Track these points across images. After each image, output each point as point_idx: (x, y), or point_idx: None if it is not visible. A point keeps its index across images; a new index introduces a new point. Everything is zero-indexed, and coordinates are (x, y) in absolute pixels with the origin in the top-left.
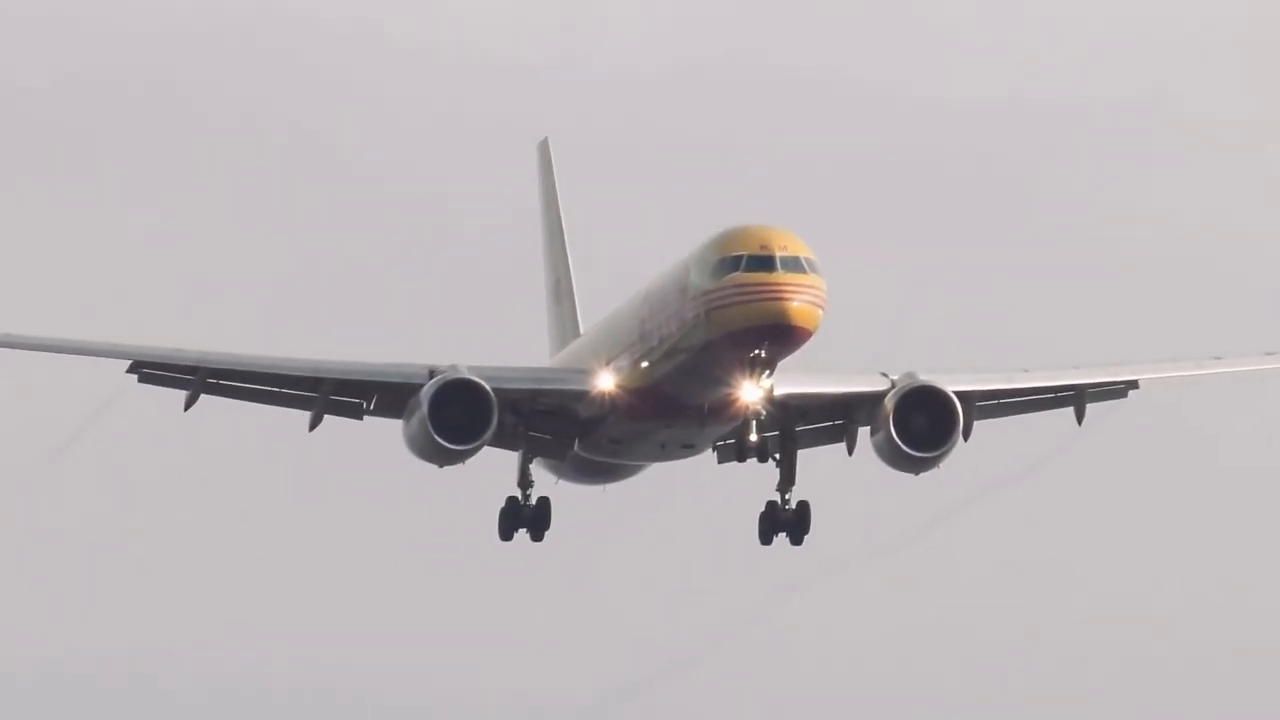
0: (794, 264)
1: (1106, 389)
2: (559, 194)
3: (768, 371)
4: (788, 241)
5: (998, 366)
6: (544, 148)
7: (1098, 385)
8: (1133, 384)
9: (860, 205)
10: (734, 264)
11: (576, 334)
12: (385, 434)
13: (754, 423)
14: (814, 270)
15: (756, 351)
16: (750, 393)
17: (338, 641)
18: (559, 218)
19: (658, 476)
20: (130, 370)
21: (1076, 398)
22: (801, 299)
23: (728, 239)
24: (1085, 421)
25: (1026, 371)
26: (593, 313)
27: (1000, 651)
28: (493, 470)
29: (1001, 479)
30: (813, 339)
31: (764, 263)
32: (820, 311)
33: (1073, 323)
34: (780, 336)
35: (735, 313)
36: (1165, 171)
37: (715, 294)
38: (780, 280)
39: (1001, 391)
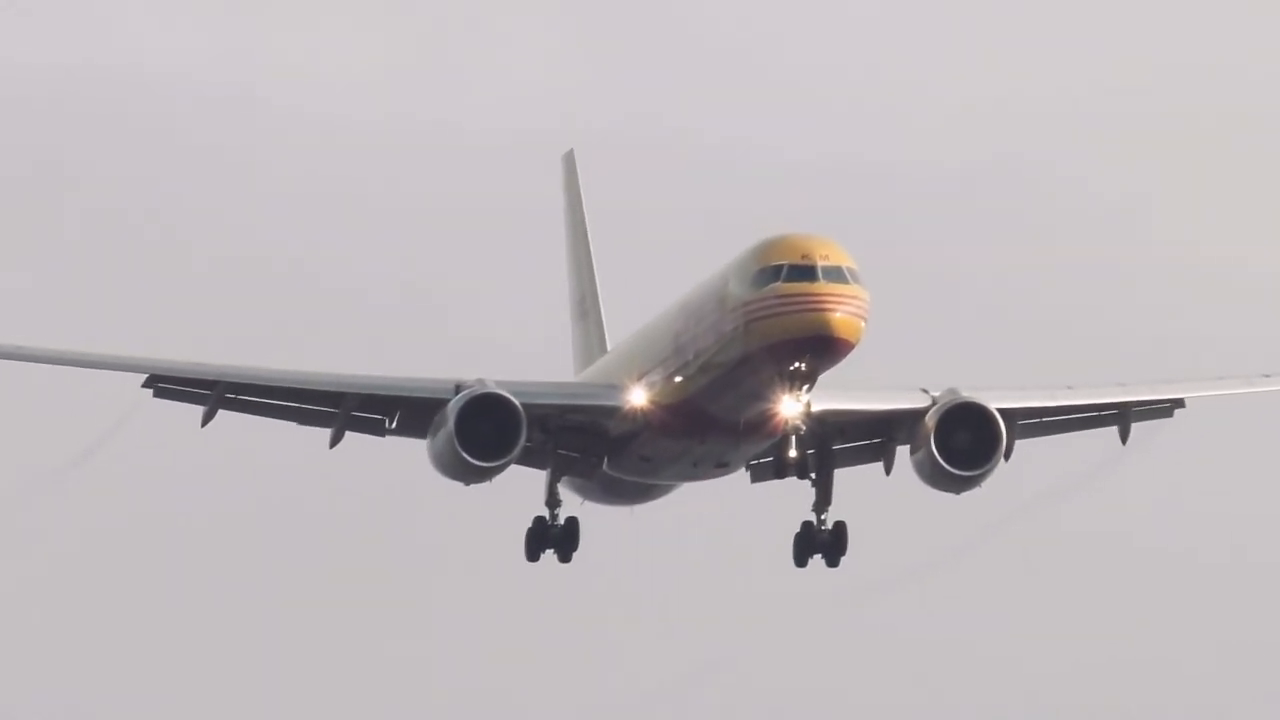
0: (836, 274)
1: (1152, 408)
2: (585, 207)
3: (808, 386)
4: (830, 251)
5: (1040, 384)
6: (569, 159)
7: (1143, 404)
8: (1179, 403)
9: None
10: (774, 274)
11: (603, 351)
12: (408, 452)
13: (793, 438)
14: (857, 280)
15: (797, 364)
16: (790, 407)
17: (358, 663)
18: (585, 232)
19: (689, 496)
20: (146, 384)
21: (1121, 416)
22: (844, 310)
23: (768, 248)
24: (1130, 441)
25: (1071, 389)
26: (617, 330)
27: (1039, 679)
28: (520, 489)
29: (1043, 499)
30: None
31: (806, 272)
32: (863, 323)
33: (1116, 341)
34: (822, 349)
35: (775, 324)
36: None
37: (755, 305)
38: (822, 291)
39: (1045, 409)
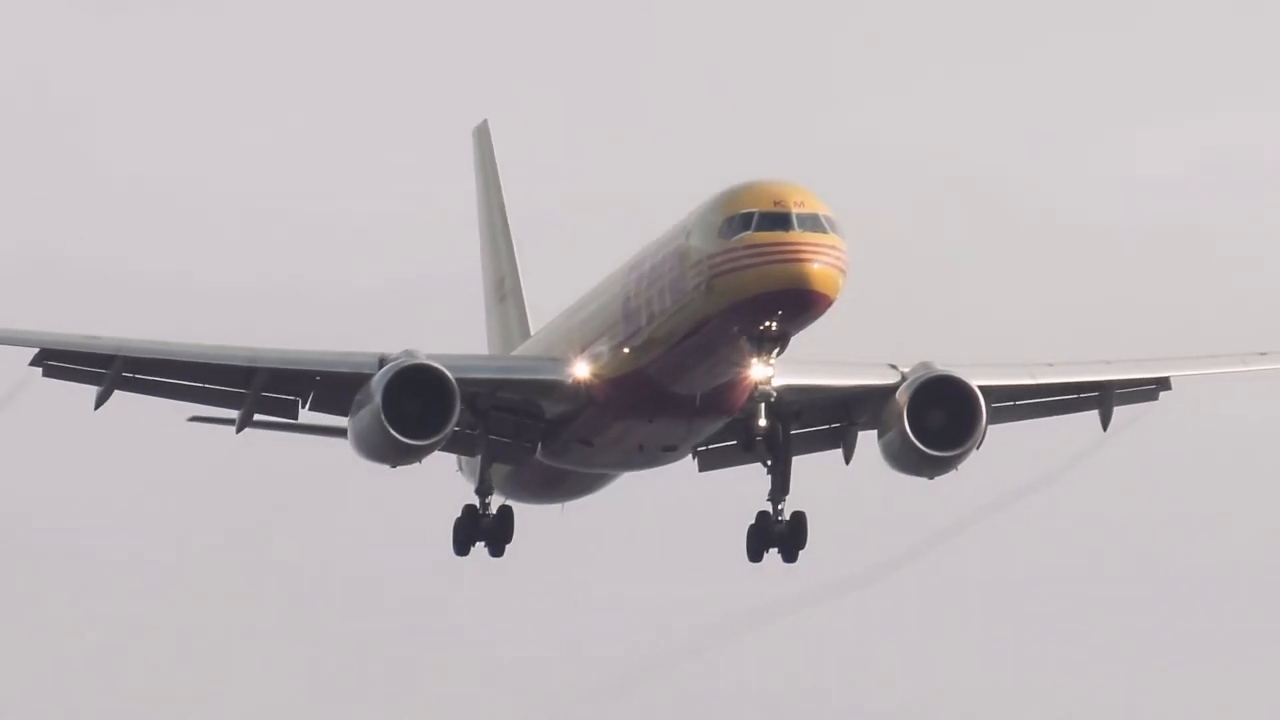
0: (812, 222)
1: (1136, 389)
2: (501, 183)
3: (778, 348)
4: (805, 197)
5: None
6: (482, 132)
7: (1128, 383)
8: (1164, 383)
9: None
10: (744, 222)
11: (525, 336)
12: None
13: (763, 406)
14: (834, 229)
15: (768, 323)
16: (759, 371)
17: (267, 673)
18: (502, 210)
19: (631, 486)
20: (35, 362)
21: (1102, 399)
22: (822, 261)
23: (735, 196)
24: (1110, 426)
25: (1051, 366)
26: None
27: (1012, 679)
28: (445, 473)
29: (1017, 489)
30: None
31: (779, 220)
32: (842, 276)
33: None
34: (798, 304)
35: (746, 277)
36: None
37: (721, 257)
38: (798, 239)
39: (1022, 389)
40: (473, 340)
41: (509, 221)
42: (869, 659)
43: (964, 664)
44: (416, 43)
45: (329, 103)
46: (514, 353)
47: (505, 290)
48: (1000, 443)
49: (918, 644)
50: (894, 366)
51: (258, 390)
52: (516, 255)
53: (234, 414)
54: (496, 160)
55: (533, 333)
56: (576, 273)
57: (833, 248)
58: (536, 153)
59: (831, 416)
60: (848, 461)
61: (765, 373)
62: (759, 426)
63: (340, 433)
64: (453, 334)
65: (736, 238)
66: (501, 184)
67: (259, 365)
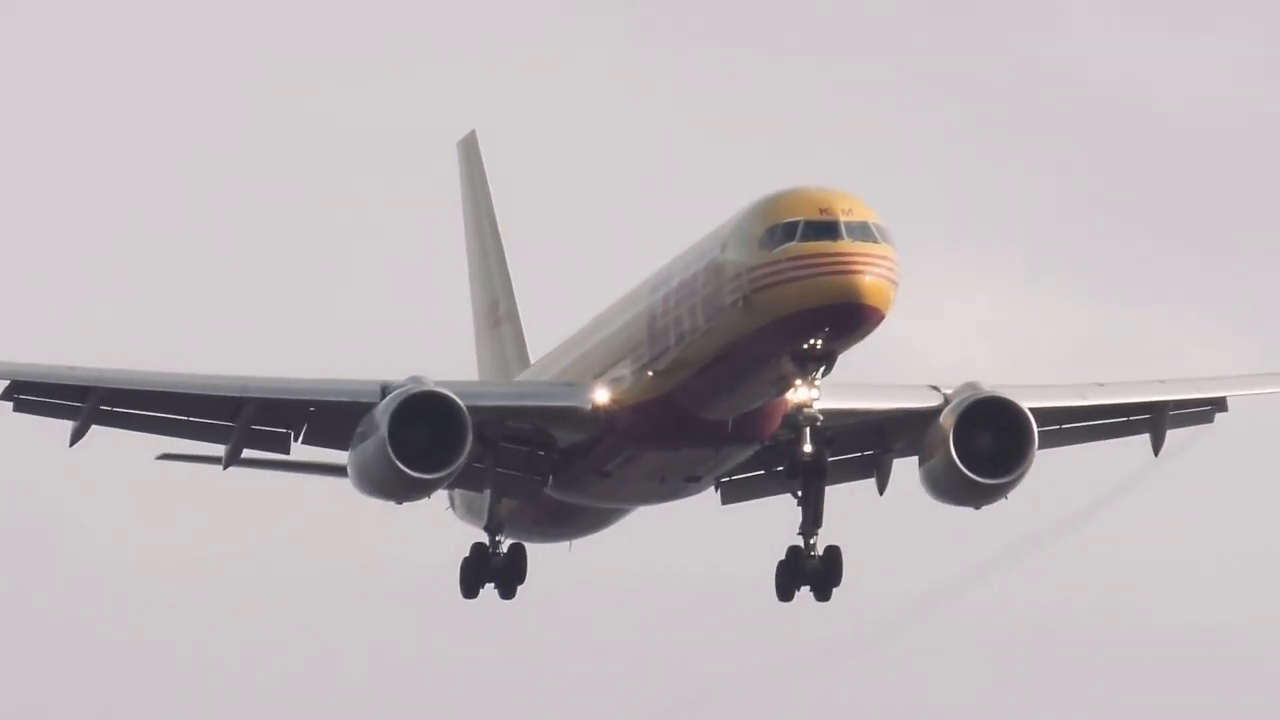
0: (862, 230)
1: (1190, 411)
2: (493, 199)
3: (824, 368)
4: (853, 205)
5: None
6: (469, 144)
7: (1183, 404)
8: (1220, 404)
9: None
10: (787, 232)
11: (524, 364)
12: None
13: (808, 430)
14: (885, 238)
15: (814, 341)
16: (803, 393)
17: None
18: (494, 227)
19: (649, 521)
20: (5, 395)
21: (1155, 422)
22: (874, 273)
23: (777, 203)
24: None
25: (1103, 386)
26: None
27: None
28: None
29: (1065, 518)
30: None
31: (827, 229)
32: (895, 288)
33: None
34: (848, 319)
35: (791, 291)
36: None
37: (763, 270)
38: (848, 250)
39: (1072, 411)
40: (462, 370)
41: (502, 241)
42: (913, 704)
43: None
44: (398, 49)
45: (297, 111)
46: (521, 375)
47: (500, 315)
48: (1041, 470)
49: (963, 689)
50: (935, 388)
51: (247, 423)
52: (512, 277)
53: (210, 450)
54: (486, 174)
55: (533, 360)
56: (575, 296)
57: (884, 258)
58: (528, 166)
59: (866, 443)
60: (882, 491)
61: (809, 395)
62: (804, 454)
63: (336, 469)
64: (439, 364)
65: (780, 249)
66: (493, 200)
67: (250, 396)
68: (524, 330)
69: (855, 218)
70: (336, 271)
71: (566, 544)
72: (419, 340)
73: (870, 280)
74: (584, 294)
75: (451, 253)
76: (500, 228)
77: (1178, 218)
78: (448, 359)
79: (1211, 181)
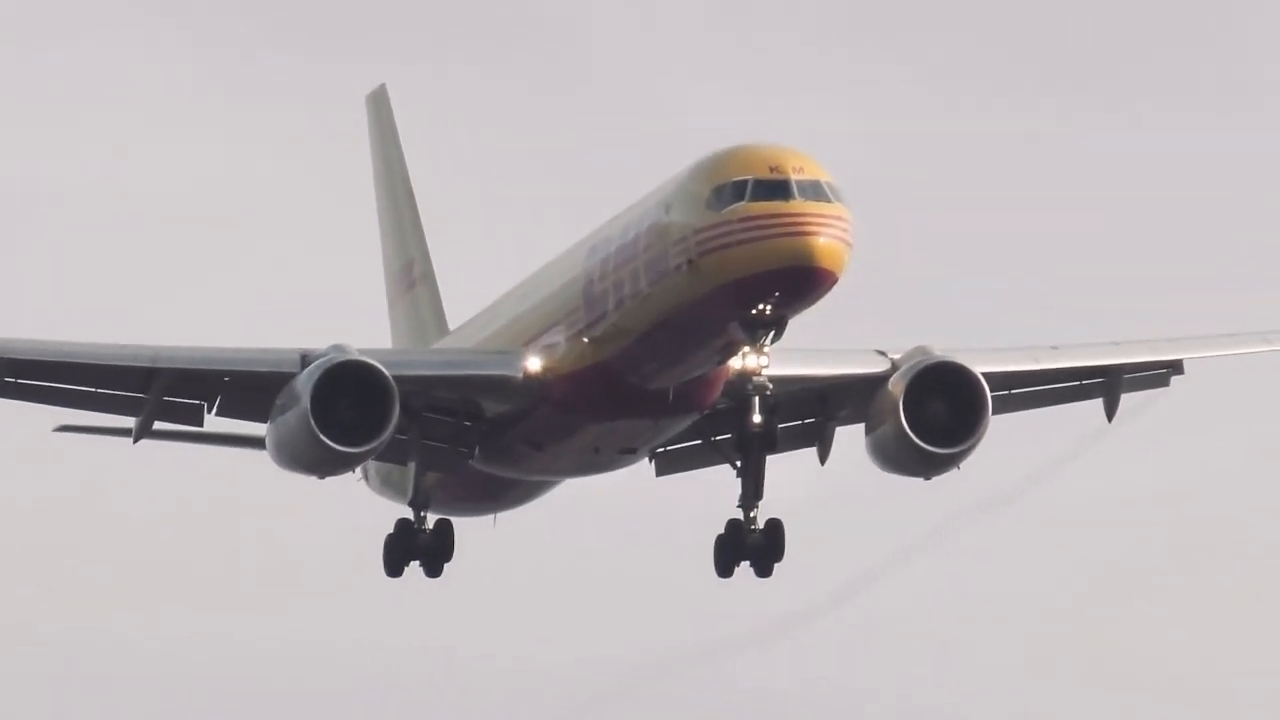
0: (814, 189)
1: (1145, 375)
2: (404, 157)
3: (774, 334)
4: (803, 162)
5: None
6: (378, 98)
7: (1138, 367)
8: (1177, 368)
9: None
10: (736, 192)
11: (442, 328)
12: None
13: (756, 400)
14: (838, 197)
15: (764, 306)
16: (751, 360)
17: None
18: (407, 184)
19: (579, 494)
20: None
21: (1109, 386)
22: (828, 233)
23: (724, 162)
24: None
25: (1056, 349)
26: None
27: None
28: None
29: (1013, 486)
30: None
31: (777, 188)
32: (849, 250)
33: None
34: (801, 283)
35: (740, 254)
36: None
37: (710, 232)
38: (800, 210)
39: (1024, 375)
40: (375, 337)
41: (415, 200)
42: (858, 676)
43: (961, 681)
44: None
45: (193, 68)
46: (441, 343)
47: (415, 276)
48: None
49: (910, 661)
50: (882, 353)
51: (159, 394)
52: (427, 237)
53: (109, 423)
54: (398, 130)
55: (452, 326)
56: (494, 259)
57: (838, 218)
58: (441, 121)
59: (807, 411)
60: (824, 461)
61: (758, 362)
62: (753, 424)
63: (253, 441)
64: (349, 330)
65: (728, 209)
66: (405, 157)
67: (163, 366)
68: (441, 295)
69: (807, 176)
70: (238, 235)
71: (490, 518)
72: (326, 305)
73: (824, 242)
74: (506, 257)
75: (362, 212)
76: (414, 186)
77: None
78: (359, 325)
79: None
